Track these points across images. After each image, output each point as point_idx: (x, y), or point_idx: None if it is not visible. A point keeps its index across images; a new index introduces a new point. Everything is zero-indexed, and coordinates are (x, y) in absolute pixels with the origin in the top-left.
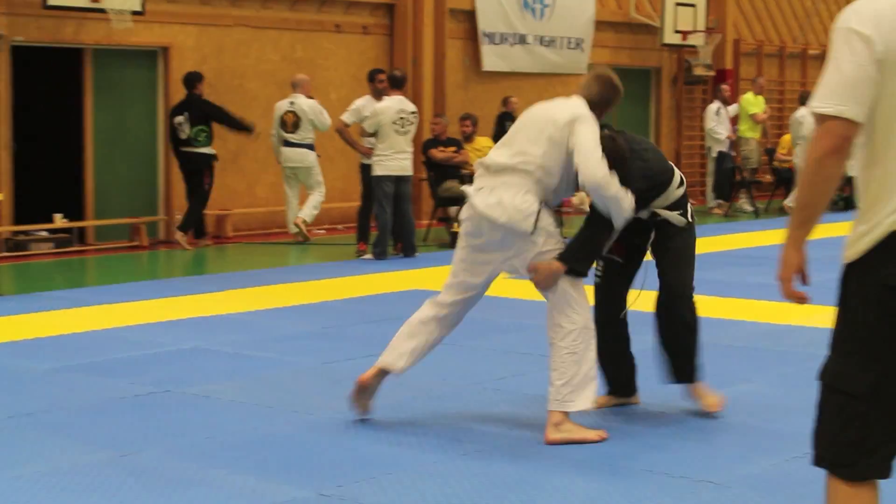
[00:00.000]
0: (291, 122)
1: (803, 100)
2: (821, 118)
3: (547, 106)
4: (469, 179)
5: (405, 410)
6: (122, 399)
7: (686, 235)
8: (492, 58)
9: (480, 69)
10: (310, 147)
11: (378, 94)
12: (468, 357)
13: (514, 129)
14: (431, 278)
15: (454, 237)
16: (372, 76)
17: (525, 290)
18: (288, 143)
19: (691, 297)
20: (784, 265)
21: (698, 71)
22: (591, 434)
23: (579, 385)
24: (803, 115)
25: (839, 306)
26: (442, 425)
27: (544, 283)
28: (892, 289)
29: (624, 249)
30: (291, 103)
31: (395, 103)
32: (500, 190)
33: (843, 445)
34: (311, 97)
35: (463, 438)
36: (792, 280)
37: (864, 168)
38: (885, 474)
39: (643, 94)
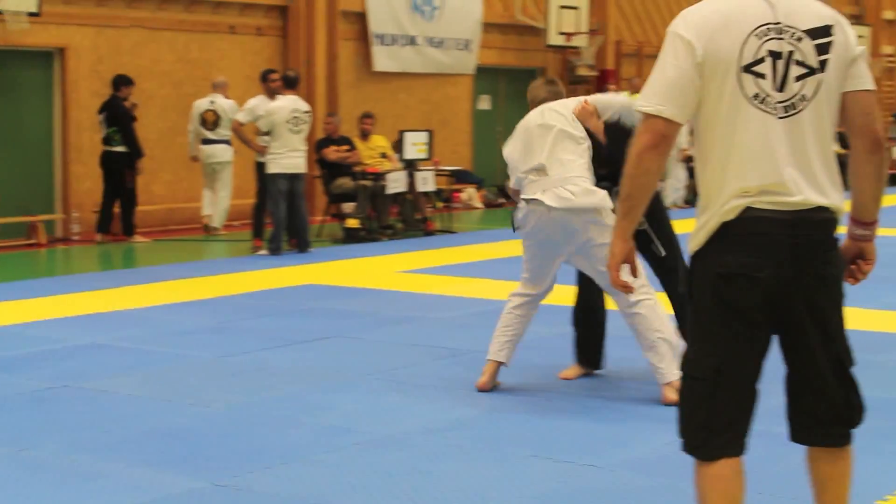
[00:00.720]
0: (212, 120)
1: None
2: (644, 116)
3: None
4: (361, 176)
5: (300, 401)
6: (19, 395)
7: (666, 213)
8: (383, 58)
9: (372, 69)
10: (228, 143)
11: (271, 94)
12: (360, 349)
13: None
14: (325, 273)
15: (347, 232)
16: (265, 76)
17: (426, 285)
18: (208, 141)
19: (679, 270)
20: (612, 255)
21: (581, 71)
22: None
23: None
24: None
25: (688, 295)
26: (336, 415)
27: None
28: (723, 276)
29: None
30: (212, 102)
31: (289, 103)
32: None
33: (694, 428)
34: (227, 97)
35: (355, 428)
36: (620, 269)
37: (699, 167)
38: (738, 452)
39: None
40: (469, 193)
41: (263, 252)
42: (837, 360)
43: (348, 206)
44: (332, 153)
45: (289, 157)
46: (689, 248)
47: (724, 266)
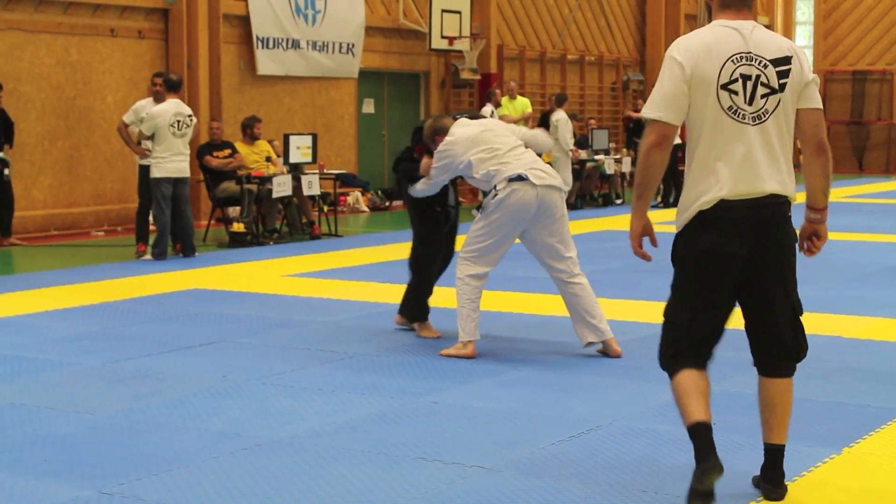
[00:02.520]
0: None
1: (560, 101)
2: (649, 121)
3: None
4: (246, 180)
5: (186, 407)
6: None
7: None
8: (266, 62)
9: (255, 73)
10: None
11: (158, 98)
12: (246, 354)
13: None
14: (211, 277)
15: (233, 237)
16: (151, 80)
17: (313, 288)
18: None
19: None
20: (632, 230)
21: (465, 75)
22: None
23: None
24: (558, 118)
25: (672, 262)
26: (223, 421)
27: None
28: (700, 252)
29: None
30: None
31: (172, 106)
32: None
33: (669, 356)
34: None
35: (243, 433)
36: (639, 240)
37: (686, 162)
38: (695, 365)
39: (413, 97)
40: (354, 197)
41: (148, 257)
42: (792, 311)
43: (233, 211)
44: (214, 160)
45: (172, 161)
46: (676, 226)
47: (702, 243)
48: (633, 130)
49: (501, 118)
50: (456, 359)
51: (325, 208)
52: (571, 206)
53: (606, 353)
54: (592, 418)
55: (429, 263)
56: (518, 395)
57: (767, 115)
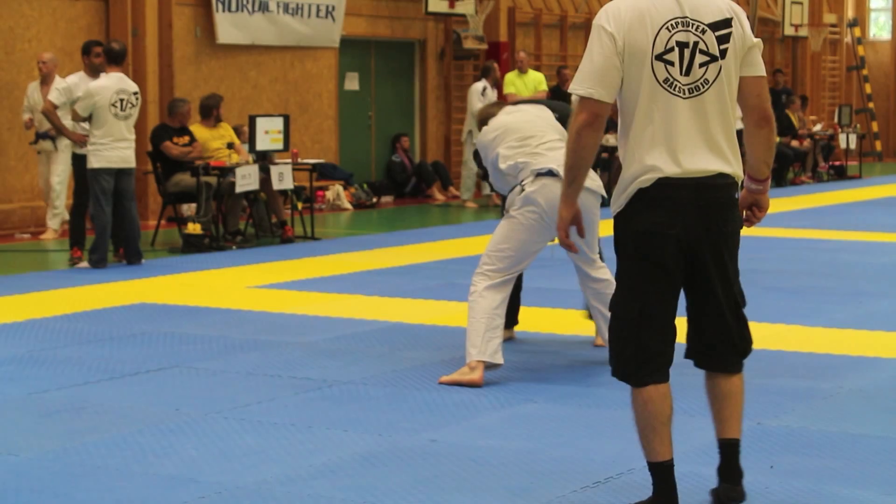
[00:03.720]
0: None
1: None
2: (579, 98)
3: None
4: (204, 172)
5: (131, 446)
6: None
7: None
8: (228, 28)
9: (215, 41)
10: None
11: (95, 71)
12: (204, 382)
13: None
14: (161, 289)
15: (187, 240)
16: (87, 49)
17: (283, 302)
18: None
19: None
20: (560, 219)
21: (469, 44)
22: None
23: None
24: None
25: (615, 250)
26: (176, 463)
27: None
28: (641, 233)
29: None
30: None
31: (114, 82)
32: None
33: (624, 360)
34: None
35: (199, 478)
36: (567, 230)
37: (621, 140)
38: (663, 379)
39: (405, 71)
40: (335, 192)
41: (84, 265)
42: (734, 302)
43: (188, 208)
44: (174, 148)
45: (114, 149)
46: (611, 209)
47: (642, 224)
48: None
49: (506, 97)
50: (458, 388)
51: (300, 205)
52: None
53: None
54: (622, 460)
55: None
56: (532, 433)
57: (707, 86)
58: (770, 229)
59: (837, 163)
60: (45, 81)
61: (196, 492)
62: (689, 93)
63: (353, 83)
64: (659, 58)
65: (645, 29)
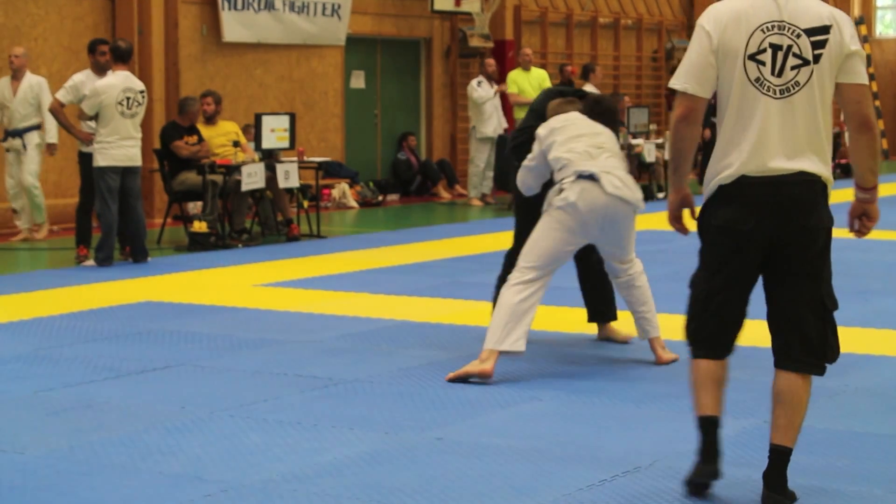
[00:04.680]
0: None
1: (586, 73)
2: (677, 93)
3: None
4: (210, 170)
5: (137, 444)
6: None
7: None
8: (234, 26)
9: (221, 40)
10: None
11: (101, 70)
12: (210, 380)
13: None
14: (167, 287)
15: (193, 238)
16: (93, 47)
17: (290, 301)
18: None
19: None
20: (669, 203)
21: (475, 42)
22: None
23: None
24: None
25: (698, 232)
26: (182, 461)
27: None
28: (717, 227)
29: None
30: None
31: (120, 80)
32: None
33: (689, 332)
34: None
35: (205, 476)
36: (676, 213)
37: (717, 134)
38: (713, 356)
39: (411, 69)
40: (341, 190)
41: (90, 263)
42: (819, 302)
43: (194, 207)
44: (184, 148)
45: (120, 147)
46: (703, 197)
47: (718, 219)
48: (712, 106)
49: (507, 97)
50: (464, 385)
51: (306, 204)
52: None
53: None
54: (630, 458)
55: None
56: (539, 430)
57: (798, 88)
58: None
59: (844, 160)
60: (17, 76)
61: (202, 490)
62: (780, 94)
63: (359, 81)
64: (751, 58)
65: (740, 29)
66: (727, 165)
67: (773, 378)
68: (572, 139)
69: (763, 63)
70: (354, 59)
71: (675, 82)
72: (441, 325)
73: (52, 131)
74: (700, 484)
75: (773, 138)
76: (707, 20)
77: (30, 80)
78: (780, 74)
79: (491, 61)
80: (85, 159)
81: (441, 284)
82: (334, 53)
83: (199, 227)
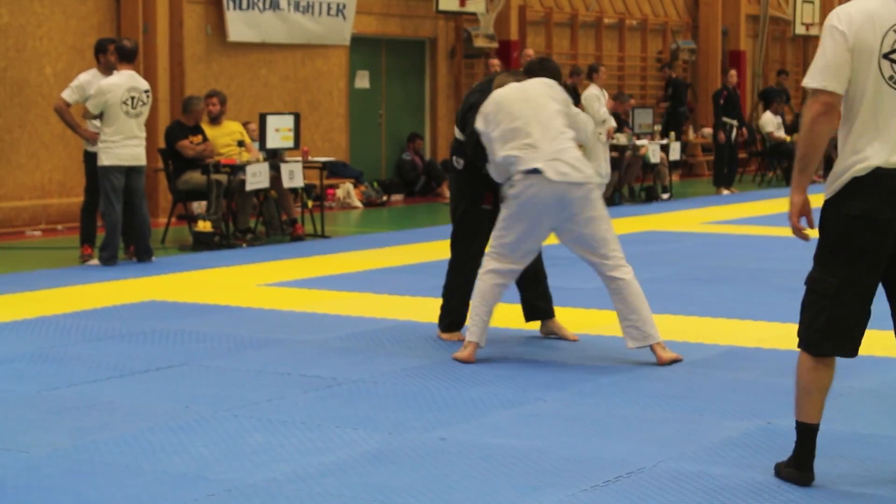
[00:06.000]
0: None
1: (590, 73)
2: (812, 91)
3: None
4: (214, 170)
5: (141, 444)
6: None
7: None
8: (239, 26)
9: (226, 39)
10: None
11: (109, 69)
12: (214, 380)
13: (516, 121)
14: (171, 287)
15: (197, 237)
16: (103, 47)
17: (294, 301)
18: None
19: None
20: (792, 206)
21: (479, 42)
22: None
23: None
24: (587, 94)
25: (820, 230)
26: (185, 461)
27: None
28: (851, 217)
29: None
30: None
31: (125, 80)
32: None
33: (814, 331)
34: None
35: (209, 476)
36: (799, 217)
37: (841, 131)
38: (849, 354)
39: (417, 69)
40: (345, 190)
41: (94, 262)
42: None
43: (198, 206)
44: (190, 148)
45: (125, 146)
46: (826, 193)
47: (854, 209)
48: (724, 107)
49: None
50: (468, 385)
51: (310, 203)
52: (608, 202)
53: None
54: (633, 459)
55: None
56: (542, 431)
57: None
58: (784, 229)
59: None
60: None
61: (206, 489)
62: None
63: (363, 81)
64: (886, 56)
65: (874, 29)
66: (863, 158)
67: None
68: (510, 132)
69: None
70: (359, 59)
71: (812, 81)
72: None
73: None
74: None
75: None
76: (839, 21)
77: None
78: None
79: (495, 61)
80: (90, 159)
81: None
82: (339, 53)
83: (204, 226)
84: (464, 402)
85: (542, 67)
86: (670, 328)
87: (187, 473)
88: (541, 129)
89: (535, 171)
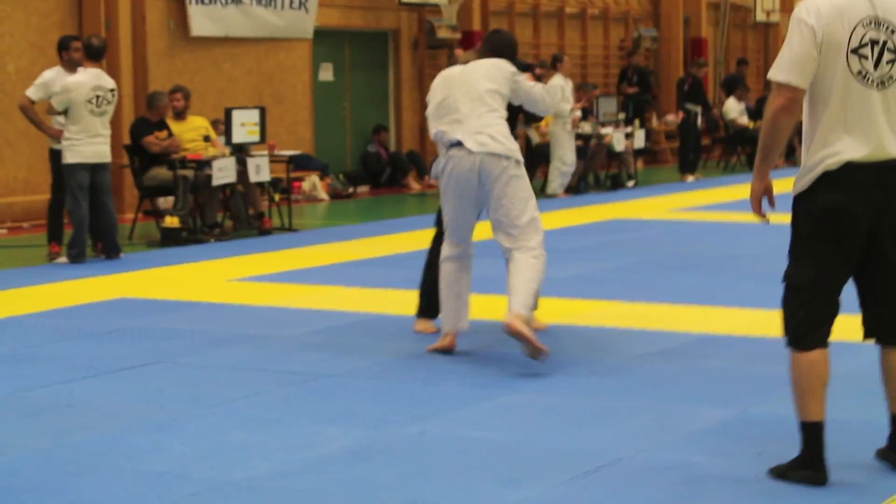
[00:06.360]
0: None
1: (554, 63)
2: (776, 84)
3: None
4: (181, 165)
5: (119, 444)
6: None
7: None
8: (201, 20)
9: (188, 34)
10: None
11: (72, 66)
12: (188, 376)
13: (448, 98)
14: (140, 283)
15: (165, 233)
16: (65, 44)
17: (265, 295)
18: None
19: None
20: (753, 191)
21: (442, 33)
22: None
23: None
24: (553, 83)
25: (792, 227)
26: (165, 460)
27: None
28: (824, 210)
29: None
30: None
31: (91, 78)
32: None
33: (796, 325)
34: None
35: (189, 475)
36: (759, 200)
37: (808, 125)
38: (826, 344)
39: (380, 61)
40: (311, 182)
41: (62, 260)
42: None
43: (165, 202)
44: (155, 144)
45: (89, 144)
46: (794, 189)
47: (827, 202)
48: (688, 94)
49: None
50: (444, 379)
51: (277, 197)
52: (574, 190)
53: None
54: (611, 449)
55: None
56: (520, 424)
57: (892, 81)
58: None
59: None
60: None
61: (187, 489)
62: (878, 86)
63: (327, 74)
64: (854, 51)
65: (843, 24)
66: (834, 153)
67: (881, 356)
68: (441, 105)
69: (865, 57)
70: (322, 52)
71: (777, 74)
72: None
73: None
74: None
75: (875, 127)
76: (808, 14)
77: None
78: (876, 67)
79: (460, 51)
80: (55, 156)
81: (416, 276)
82: (302, 46)
83: (171, 222)
84: (440, 396)
85: (492, 38)
86: (641, 316)
87: (168, 473)
88: (469, 105)
89: (458, 144)
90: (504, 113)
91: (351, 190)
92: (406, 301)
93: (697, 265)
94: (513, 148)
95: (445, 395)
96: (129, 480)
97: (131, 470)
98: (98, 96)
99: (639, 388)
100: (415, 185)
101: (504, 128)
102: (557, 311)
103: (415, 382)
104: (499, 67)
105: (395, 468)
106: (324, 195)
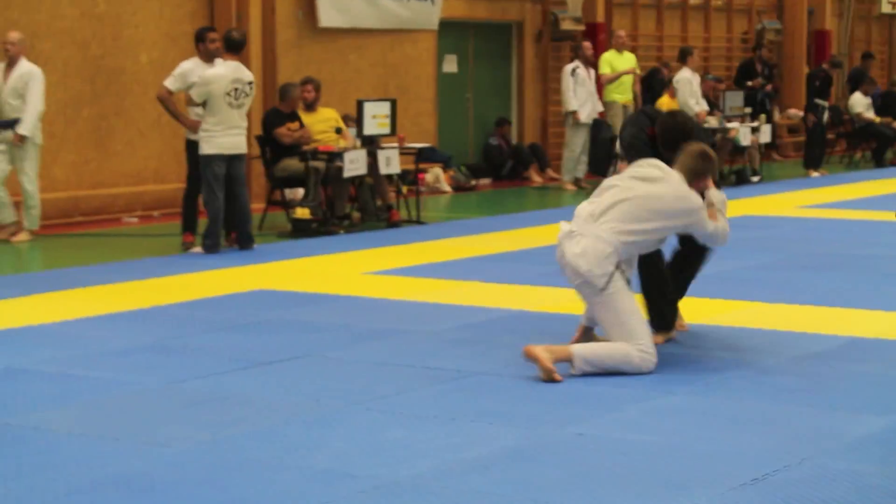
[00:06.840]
0: None
1: (683, 56)
2: None
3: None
4: (312, 156)
5: (279, 438)
6: None
7: None
8: (329, 12)
9: (317, 25)
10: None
11: (209, 57)
12: (338, 372)
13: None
14: (276, 275)
15: (296, 224)
16: (202, 35)
17: (402, 289)
18: None
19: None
20: None
21: (566, 25)
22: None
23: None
24: (679, 77)
25: None
26: (328, 456)
27: None
28: None
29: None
30: None
31: (230, 71)
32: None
33: None
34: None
35: (354, 472)
36: None
37: None
38: None
39: (503, 53)
40: (434, 174)
41: (197, 250)
42: None
43: (292, 192)
44: (288, 136)
45: (227, 135)
46: None
47: None
48: (819, 90)
49: (601, 76)
50: (596, 378)
51: (405, 189)
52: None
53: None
54: (776, 456)
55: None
56: (677, 427)
57: None
58: (885, 213)
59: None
60: (11, 64)
61: (354, 486)
62: None
63: (451, 66)
64: None
65: None
66: None
67: None
68: (602, 190)
69: None
70: (447, 44)
71: None
72: (558, 315)
73: (28, 123)
74: None
75: None
76: None
77: (21, 69)
78: None
79: (588, 44)
80: (192, 147)
81: (550, 273)
82: (427, 38)
83: (303, 213)
84: (593, 396)
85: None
86: (785, 318)
87: (332, 470)
88: (613, 203)
89: (569, 234)
90: (620, 226)
91: (473, 182)
92: (543, 297)
93: (837, 265)
94: (597, 273)
95: (597, 396)
96: (294, 476)
97: (295, 466)
98: (236, 89)
99: (793, 393)
100: (536, 178)
101: (598, 244)
102: (701, 311)
103: (564, 382)
104: (685, 199)
105: (560, 470)
106: (446, 187)
